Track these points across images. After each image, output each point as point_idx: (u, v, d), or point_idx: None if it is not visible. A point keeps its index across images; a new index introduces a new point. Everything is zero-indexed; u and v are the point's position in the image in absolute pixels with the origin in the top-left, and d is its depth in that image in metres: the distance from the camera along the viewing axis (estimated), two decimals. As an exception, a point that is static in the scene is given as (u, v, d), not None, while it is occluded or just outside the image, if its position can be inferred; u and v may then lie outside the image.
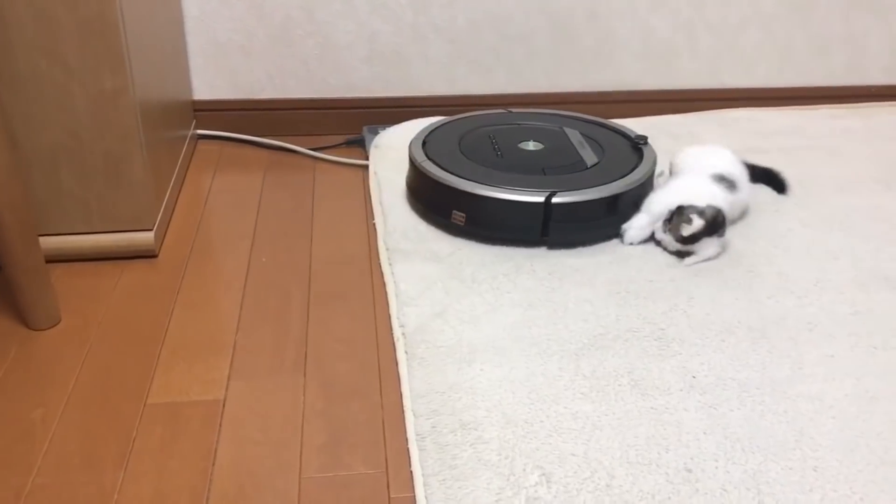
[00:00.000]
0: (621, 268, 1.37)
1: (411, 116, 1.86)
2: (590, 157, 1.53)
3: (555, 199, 1.39)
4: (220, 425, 1.04)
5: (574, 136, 1.62)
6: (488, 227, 1.42)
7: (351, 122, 1.88)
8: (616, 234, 1.46)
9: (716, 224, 1.35)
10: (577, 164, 1.51)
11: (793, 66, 2.02)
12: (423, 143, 1.56)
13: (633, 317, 1.25)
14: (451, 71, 1.90)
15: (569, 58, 1.92)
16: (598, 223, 1.44)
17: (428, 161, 1.49)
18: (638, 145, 1.58)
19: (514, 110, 1.72)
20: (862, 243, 1.45)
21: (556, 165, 1.50)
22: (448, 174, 1.45)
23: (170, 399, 1.08)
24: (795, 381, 1.12)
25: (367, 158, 1.76)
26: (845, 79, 2.05)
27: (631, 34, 1.92)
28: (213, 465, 0.98)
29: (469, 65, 1.90)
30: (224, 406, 1.07)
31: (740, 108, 2.00)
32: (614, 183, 1.44)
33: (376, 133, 1.82)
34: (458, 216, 1.40)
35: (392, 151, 1.74)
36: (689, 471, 0.97)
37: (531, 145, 1.58)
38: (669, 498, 0.93)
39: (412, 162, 1.52)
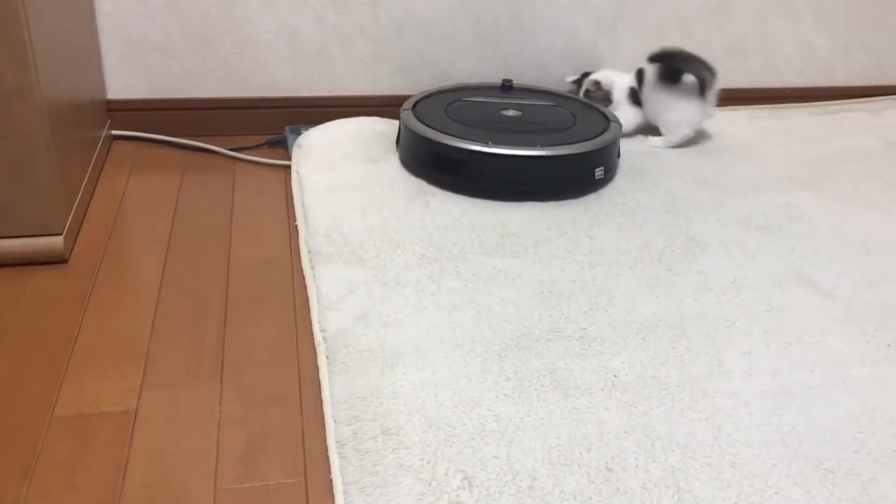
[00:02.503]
0: (545, 268, 1.37)
1: (335, 116, 1.83)
2: (570, 114, 1.76)
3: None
4: (132, 437, 1.00)
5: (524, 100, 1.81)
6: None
7: (273, 122, 1.85)
8: None
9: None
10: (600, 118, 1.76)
11: (711, 68, 2.05)
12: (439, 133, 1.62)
13: (555, 317, 1.25)
14: (375, 70, 1.88)
15: (493, 58, 1.92)
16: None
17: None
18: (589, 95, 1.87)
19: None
20: (777, 241, 1.49)
21: (586, 123, 1.72)
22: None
23: (78, 411, 1.03)
24: (714, 378, 1.13)
25: (289, 159, 1.72)
26: (761, 81, 2.10)
27: (554, 35, 1.93)
28: (124, 478, 0.94)
29: (393, 64, 1.88)
30: (136, 417, 1.03)
31: (661, 110, 2.03)
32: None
33: (299, 133, 1.78)
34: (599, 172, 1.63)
35: (315, 151, 1.71)
36: (610, 470, 0.97)
37: (511, 112, 1.73)
38: (591, 498, 0.93)
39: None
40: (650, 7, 1.95)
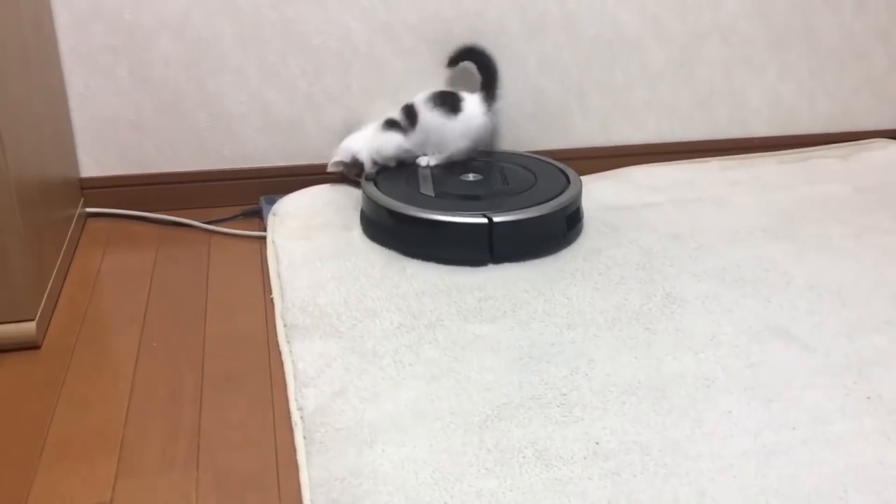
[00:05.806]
0: (523, 332, 1.37)
1: (309, 184, 1.84)
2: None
3: None
4: (106, 532, 0.98)
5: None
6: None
7: (247, 192, 1.85)
8: None
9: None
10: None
11: (679, 121, 2.09)
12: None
13: (536, 383, 1.24)
14: (348, 138, 1.89)
15: (465, 121, 1.94)
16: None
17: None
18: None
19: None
20: (753, 294, 1.49)
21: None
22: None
23: (50, 506, 1.01)
24: (696, 441, 1.13)
25: (264, 229, 1.72)
26: (729, 132, 2.13)
27: (523, 96, 1.95)
28: (98, 577, 0.92)
29: (366, 131, 1.89)
30: (110, 509, 1.01)
31: (635, 166, 2.05)
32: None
33: (274, 203, 1.79)
34: None
35: (290, 220, 1.71)
36: (595, 544, 0.96)
37: (471, 177, 1.75)
38: (576, 575, 0.92)
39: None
40: (616, 64, 1.98)
